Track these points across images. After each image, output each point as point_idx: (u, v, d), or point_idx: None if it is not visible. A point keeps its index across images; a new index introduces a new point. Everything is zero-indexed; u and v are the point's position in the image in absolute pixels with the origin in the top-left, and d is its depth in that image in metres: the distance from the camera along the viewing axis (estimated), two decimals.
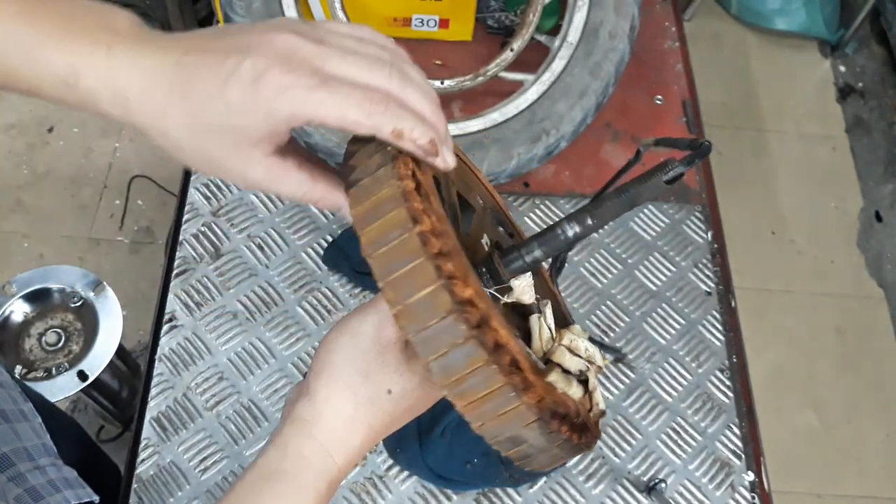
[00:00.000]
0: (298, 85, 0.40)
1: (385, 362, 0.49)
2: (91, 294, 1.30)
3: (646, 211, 1.08)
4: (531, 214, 1.06)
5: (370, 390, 0.48)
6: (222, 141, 0.42)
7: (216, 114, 0.41)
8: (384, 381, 0.48)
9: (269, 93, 0.40)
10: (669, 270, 1.04)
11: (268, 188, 0.45)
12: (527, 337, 0.53)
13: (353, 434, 0.49)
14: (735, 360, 0.99)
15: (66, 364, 1.28)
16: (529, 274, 0.53)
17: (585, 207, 0.52)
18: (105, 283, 1.31)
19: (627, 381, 0.96)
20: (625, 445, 0.92)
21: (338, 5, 1.03)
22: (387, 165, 0.42)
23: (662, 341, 0.99)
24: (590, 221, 0.51)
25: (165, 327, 0.95)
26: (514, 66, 1.07)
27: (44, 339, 1.30)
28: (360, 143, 0.45)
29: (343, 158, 0.46)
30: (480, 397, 0.41)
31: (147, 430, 0.88)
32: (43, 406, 0.92)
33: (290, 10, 1.01)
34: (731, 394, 0.96)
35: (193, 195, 1.04)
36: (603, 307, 1.01)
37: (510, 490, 0.88)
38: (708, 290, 1.04)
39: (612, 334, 0.99)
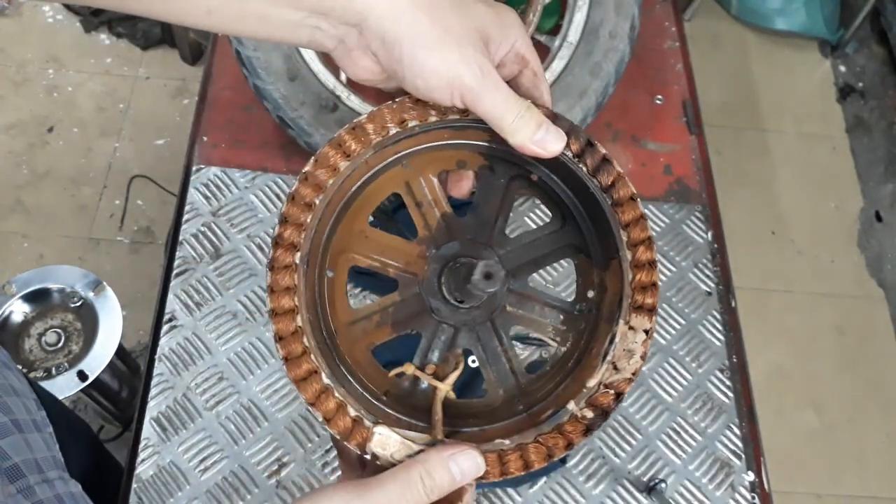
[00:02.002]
0: None
1: None
2: (91, 294, 1.30)
3: (646, 211, 1.08)
4: (531, 214, 1.06)
5: None
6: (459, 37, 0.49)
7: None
8: None
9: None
10: (669, 270, 1.04)
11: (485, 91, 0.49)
12: None
13: None
14: (735, 360, 0.99)
15: (65, 364, 1.27)
16: None
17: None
18: (105, 283, 1.31)
19: None
20: (625, 445, 0.92)
21: None
22: None
23: (663, 341, 0.99)
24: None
25: (165, 327, 0.94)
26: None
27: (43, 339, 1.29)
28: None
29: None
30: None
31: (147, 430, 0.88)
32: (56, 407, 0.92)
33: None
34: (731, 394, 0.96)
35: (193, 195, 1.04)
36: None
37: (510, 490, 0.88)
38: (708, 290, 1.03)
39: None
